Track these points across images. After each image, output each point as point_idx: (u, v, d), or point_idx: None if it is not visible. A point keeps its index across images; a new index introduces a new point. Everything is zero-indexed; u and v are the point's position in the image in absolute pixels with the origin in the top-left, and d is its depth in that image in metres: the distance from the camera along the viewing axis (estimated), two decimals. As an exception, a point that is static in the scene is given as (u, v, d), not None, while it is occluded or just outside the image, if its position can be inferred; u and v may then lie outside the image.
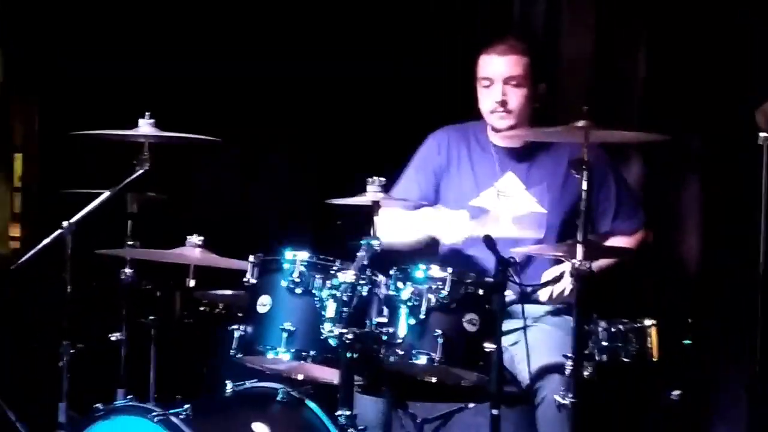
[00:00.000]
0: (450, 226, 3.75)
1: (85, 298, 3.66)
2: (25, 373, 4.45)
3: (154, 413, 3.34)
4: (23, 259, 3.64)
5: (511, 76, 3.89)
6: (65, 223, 3.58)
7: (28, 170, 5.10)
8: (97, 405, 3.45)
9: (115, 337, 3.78)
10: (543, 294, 3.78)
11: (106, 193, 3.67)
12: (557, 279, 3.77)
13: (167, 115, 3.78)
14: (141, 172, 3.72)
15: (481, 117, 4.02)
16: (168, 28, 4.74)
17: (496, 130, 3.96)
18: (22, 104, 4.99)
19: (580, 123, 3.48)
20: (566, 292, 3.75)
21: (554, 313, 3.85)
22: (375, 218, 3.53)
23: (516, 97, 3.90)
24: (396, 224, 3.89)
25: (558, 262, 3.77)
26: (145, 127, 3.75)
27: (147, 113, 3.74)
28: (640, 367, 3.59)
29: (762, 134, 3.73)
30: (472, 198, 3.95)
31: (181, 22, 4.73)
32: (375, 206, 3.54)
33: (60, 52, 4.75)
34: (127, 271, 3.79)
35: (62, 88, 4.79)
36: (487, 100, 3.92)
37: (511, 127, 3.92)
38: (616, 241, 3.95)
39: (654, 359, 3.60)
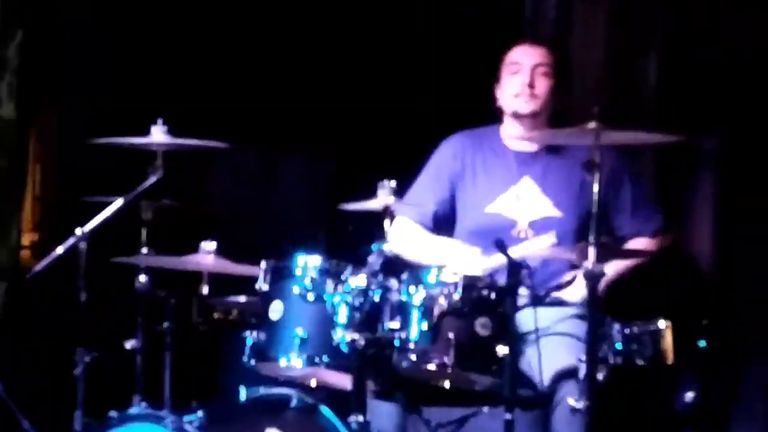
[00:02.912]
0: (465, 264, 3.75)
1: (100, 305, 3.67)
2: (40, 381, 4.47)
3: (169, 420, 3.36)
4: (38, 267, 3.65)
5: (541, 62, 3.94)
6: (79, 231, 3.59)
7: (47, 179, 5.13)
8: (112, 412, 3.47)
9: (130, 344, 3.78)
10: (572, 294, 3.74)
11: (121, 201, 3.68)
12: (569, 283, 3.75)
13: (181, 121, 3.79)
14: (154, 179, 3.73)
15: (495, 122, 4.02)
16: (183, 34, 4.75)
17: (518, 117, 3.94)
18: (40, 115, 5.01)
19: (591, 124, 3.48)
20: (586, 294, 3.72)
21: (568, 315, 3.83)
22: (386, 223, 3.52)
23: (543, 84, 3.93)
24: (411, 243, 3.92)
25: (574, 266, 3.76)
26: (158, 134, 3.76)
27: (160, 120, 3.75)
28: (655, 370, 3.57)
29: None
30: (489, 203, 3.95)
31: (195, 27, 4.74)
32: (387, 210, 3.54)
33: (75, 61, 4.77)
34: (142, 278, 3.80)
35: (80, 97, 4.81)
36: (514, 83, 3.94)
37: (534, 114, 3.92)
38: (636, 244, 3.93)
39: (669, 362, 3.57)
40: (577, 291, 3.74)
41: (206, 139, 3.78)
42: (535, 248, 3.76)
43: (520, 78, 3.93)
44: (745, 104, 4.18)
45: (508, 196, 3.95)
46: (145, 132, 3.77)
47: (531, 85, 3.91)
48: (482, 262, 3.76)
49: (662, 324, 3.58)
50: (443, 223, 4.00)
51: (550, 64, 3.94)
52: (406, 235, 3.97)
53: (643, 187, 4.02)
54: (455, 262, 3.77)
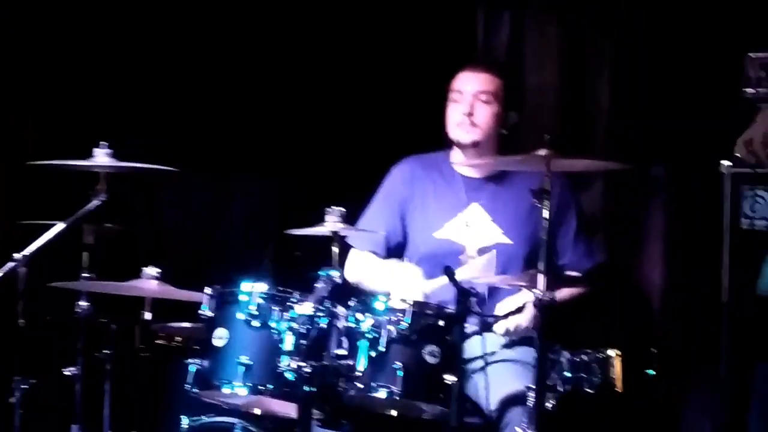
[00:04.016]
0: (406, 286, 3.73)
1: (38, 331, 3.60)
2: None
3: (108, 450, 3.30)
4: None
5: (482, 90, 3.92)
6: (17, 256, 3.52)
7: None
8: (50, 441, 3.41)
9: (69, 371, 3.70)
10: (499, 327, 3.75)
11: (62, 225, 3.61)
12: (519, 310, 3.74)
13: (128, 145, 3.73)
14: (97, 203, 3.67)
15: (445, 147, 4.01)
16: (129, 54, 4.69)
17: (460, 146, 3.95)
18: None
19: (542, 151, 3.47)
20: (523, 325, 3.72)
21: (517, 342, 3.82)
22: (334, 249, 3.49)
23: (484, 112, 3.91)
24: (363, 270, 3.92)
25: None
26: (101, 156, 3.70)
27: (103, 143, 3.70)
28: (604, 398, 3.55)
29: (724, 163, 3.73)
30: (437, 229, 3.93)
31: (141, 47, 4.68)
32: (335, 236, 3.51)
33: (17, 81, 4.68)
34: (83, 303, 3.73)
35: (21, 118, 4.72)
36: (455, 112, 3.94)
37: (475, 143, 3.92)
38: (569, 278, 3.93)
39: (618, 390, 3.56)
40: (502, 325, 3.73)
41: (152, 164, 3.73)
42: (476, 269, 3.74)
43: (460, 107, 3.91)
44: (692, 131, 4.20)
45: (456, 222, 3.94)
46: (89, 155, 3.72)
47: (470, 114, 3.89)
48: (424, 285, 3.73)
49: (611, 352, 3.58)
50: (396, 249, 3.99)
51: (493, 90, 3.92)
52: (359, 265, 3.96)
53: (586, 222, 4.02)
54: (399, 285, 3.75)
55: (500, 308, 3.77)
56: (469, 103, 3.91)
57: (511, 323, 3.74)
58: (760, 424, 2.63)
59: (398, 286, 3.75)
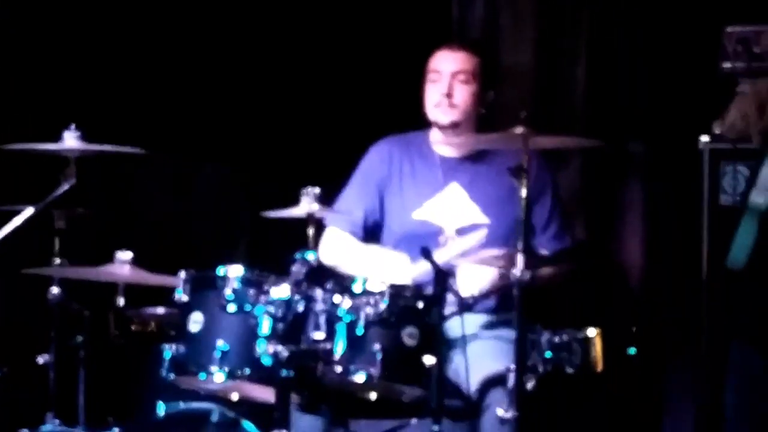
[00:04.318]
0: (391, 272, 3.70)
1: (10, 319, 3.56)
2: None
3: (83, 438, 3.26)
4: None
5: (460, 70, 3.88)
6: (-14, 242, 3.47)
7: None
8: (23, 430, 3.37)
9: (42, 359, 3.66)
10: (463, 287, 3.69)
11: (31, 210, 3.55)
12: (496, 289, 3.72)
13: (95, 126, 3.67)
14: (67, 186, 3.61)
15: (423, 126, 3.97)
16: (97, 36, 4.63)
17: (439, 127, 3.92)
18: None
19: (519, 129, 3.45)
20: (485, 283, 3.68)
21: (496, 323, 3.79)
22: (310, 231, 3.45)
23: (462, 92, 3.88)
24: (343, 254, 3.88)
25: (504, 275, 3.71)
26: (70, 140, 3.64)
27: (72, 125, 3.64)
28: (585, 378, 3.54)
29: (702, 139, 3.72)
30: (415, 209, 3.90)
31: (109, 29, 4.62)
32: (311, 218, 3.47)
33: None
34: (55, 290, 3.68)
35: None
36: (433, 93, 3.90)
37: (454, 124, 3.88)
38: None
39: (598, 369, 3.55)
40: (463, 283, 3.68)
41: (123, 146, 3.67)
42: (464, 246, 3.71)
43: (438, 88, 3.88)
44: (672, 109, 4.19)
45: (435, 202, 3.92)
46: (58, 138, 3.65)
47: (449, 95, 3.86)
48: (410, 270, 3.71)
49: (591, 332, 3.56)
50: (374, 230, 3.95)
51: (471, 70, 3.89)
52: (337, 247, 3.92)
53: (561, 204, 3.99)
54: (384, 271, 3.72)
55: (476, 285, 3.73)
56: (447, 83, 3.87)
57: (474, 283, 3.68)
58: (736, 401, 2.64)
59: (383, 271, 3.72)
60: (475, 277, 3.71)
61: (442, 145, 3.96)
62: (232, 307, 3.34)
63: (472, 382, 3.56)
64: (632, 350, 3.69)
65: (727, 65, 3.87)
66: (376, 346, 3.30)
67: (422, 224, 3.88)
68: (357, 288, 3.35)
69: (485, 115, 3.95)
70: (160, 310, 3.72)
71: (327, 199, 3.54)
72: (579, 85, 4.51)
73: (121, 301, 3.65)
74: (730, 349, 2.76)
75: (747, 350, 2.61)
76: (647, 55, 4.34)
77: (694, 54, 4.14)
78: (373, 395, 3.45)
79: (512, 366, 3.39)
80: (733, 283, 2.83)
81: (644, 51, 4.36)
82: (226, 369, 3.31)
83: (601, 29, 4.46)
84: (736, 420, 2.66)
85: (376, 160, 4.00)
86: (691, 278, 3.66)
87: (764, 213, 2.52)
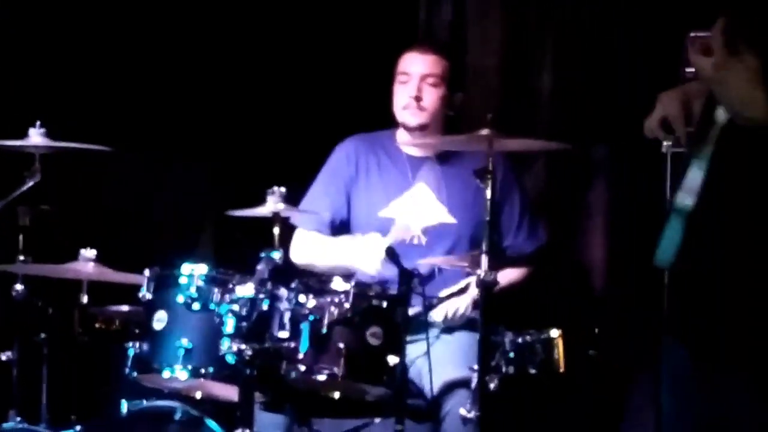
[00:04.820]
0: (366, 257, 3.70)
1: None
2: None
3: (46, 436, 3.24)
4: None
5: (429, 73, 3.89)
6: (-51, 238, 3.45)
7: None
8: (-15, 428, 3.35)
9: (5, 356, 3.64)
10: (438, 314, 3.74)
11: (-5, 206, 3.54)
12: (462, 291, 3.74)
13: (61, 124, 3.66)
14: (31, 183, 3.59)
15: (390, 126, 3.98)
16: (64, 34, 4.60)
17: (407, 129, 3.93)
18: None
19: (484, 131, 3.46)
20: (460, 311, 3.73)
21: (460, 326, 3.80)
22: (275, 229, 3.45)
23: (431, 95, 3.89)
24: (313, 250, 3.88)
25: (468, 274, 3.74)
26: (35, 137, 3.63)
27: (38, 122, 3.62)
28: (547, 379, 3.56)
29: (665, 142, 3.73)
30: (382, 208, 3.91)
31: (76, 26, 4.59)
32: (276, 217, 3.47)
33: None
34: (18, 287, 3.66)
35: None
36: (402, 95, 3.91)
37: (422, 126, 3.90)
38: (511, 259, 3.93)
39: (560, 370, 3.57)
40: (440, 311, 3.73)
41: (88, 143, 3.66)
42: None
43: (407, 90, 3.89)
44: (635, 112, 4.21)
45: (401, 201, 3.92)
46: (23, 135, 3.63)
47: (418, 98, 3.87)
48: (383, 242, 3.70)
49: (554, 333, 3.59)
50: (341, 229, 3.96)
51: (440, 73, 3.90)
52: (306, 246, 3.92)
53: (529, 203, 4.01)
54: (356, 258, 3.71)
55: (442, 292, 3.76)
56: (416, 86, 3.88)
57: (451, 308, 3.73)
58: (667, 399, 2.67)
59: (357, 255, 3.71)
60: (452, 306, 3.73)
61: (409, 145, 3.97)
62: (196, 306, 3.34)
63: (435, 384, 3.56)
64: (593, 352, 3.72)
65: (689, 71, 3.89)
66: (340, 345, 3.30)
67: (388, 222, 3.88)
68: (321, 287, 3.35)
69: (452, 116, 3.96)
70: (124, 307, 3.71)
71: (292, 198, 3.54)
72: (544, 87, 4.53)
73: (85, 299, 3.64)
74: (662, 349, 2.79)
75: (675, 348, 2.64)
76: (614, 58, 4.36)
77: (660, 56, 4.17)
78: (336, 394, 3.45)
79: (475, 366, 3.41)
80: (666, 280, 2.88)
81: (611, 54, 4.38)
82: (190, 367, 3.31)
83: (568, 32, 4.48)
84: (671, 424, 2.68)
85: (342, 158, 4.00)
86: (653, 280, 3.68)
87: (690, 213, 2.57)
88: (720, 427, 2.55)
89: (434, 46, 4.02)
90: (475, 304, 3.69)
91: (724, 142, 2.57)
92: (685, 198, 2.62)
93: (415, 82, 3.88)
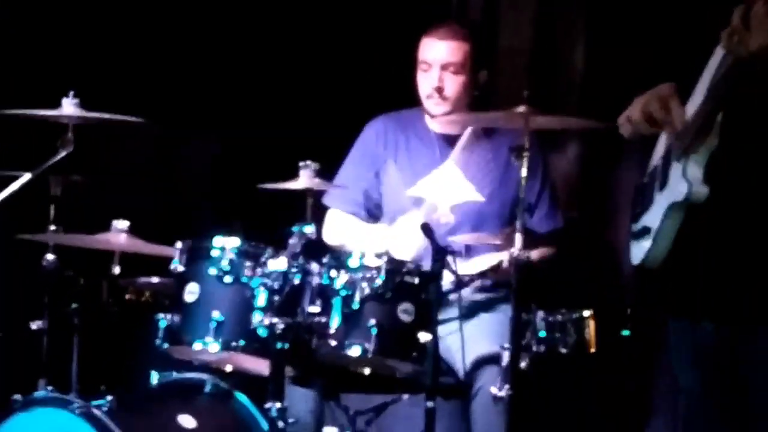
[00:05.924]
0: (402, 242, 3.69)
1: (5, 284, 3.53)
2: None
3: (76, 405, 3.24)
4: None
5: (450, 62, 3.84)
6: (-18, 207, 3.44)
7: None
8: (16, 396, 3.33)
9: (36, 325, 3.62)
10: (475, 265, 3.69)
11: (28, 176, 3.52)
12: (493, 270, 3.72)
13: (92, 94, 3.65)
14: (64, 153, 3.58)
15: (418, 103, 3.96)
16: (98, 4, 4.59)
17: (432, 116, 3.90)
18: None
19: (520, 108, 3.44)
20: (484, 263, 3.70)
21: (492, 302, 3.80)
22: (308, 204, 3.44)
23: (453, 84, 3.85)
24: (347, 234, 3.88)
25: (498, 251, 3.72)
26: (68, 107, 3.61)
27: (71, 92, 3.61)
28: (578, 358, 3.55)
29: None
30: (410, 187, 3.88)
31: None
32: (309, 192, 3.45)
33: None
34: (50, 257, 3.64)
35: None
36: (424, 84, 3.88)
37: (447, 114, 3.87)
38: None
39: (592, 350, 3.56)
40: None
41: (122, 114, 3.65)
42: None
43: (429, 80, 3.84)
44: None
45: (430, 179, 3.90)
46: (56, 104, 3.63)
47: (440, 89, 3.83)
48: (416, 219, 3.67)
49: (586, 312, 3.57)
50: (375, 208, 3.94)
51: (461, 60, 3.84)
52: (340, 228, 3.92)
53: (552, 184, 3.98)
54: (394, 241, 3.70)
55: (475, 265, 3.74)
56: (438, 76, 3.83)
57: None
58: (691, 373, 2.69)
59: (393, 240, 3.71)
60: (474, 259, 3.72)
61: (438, 122, 3.95)
62: (228, 279, 3.34)
63: (467, 361, 3.55)
64: (626, 332, 3.69)
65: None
66: (372, 321, 3.29)
67: (416, 201, 3.87)
68: (353, 263, 3.34)
69: (479, 94, 3.93)
70: (154, 279, 3.71)
71: (324, 175, 3.53)
72: (577, 66, 4.50)
73: (116, 270, 3.63)
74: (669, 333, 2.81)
75: (693, 327, 2.68)
76: (646, 38, 4.33)
77: (692, 34, 4.13)
78: (366, 370, 3.45)
79: (507, 345, 3.40)
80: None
81: (643, 33, 4.35)
82: (221, 340, 3.30)
83: (600, 12, 4.45)
84: (698, 401, 2.70)
85: (371, 137, 3.98)
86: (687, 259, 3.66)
87: (693, 203, 2.64)
88: (745, 388, 2.61)
89: (452, 30, 3.90)
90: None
91: (728, 134, 2.60)
92: (679, 190, 2.66)
93: (436, 71, 3.84)
